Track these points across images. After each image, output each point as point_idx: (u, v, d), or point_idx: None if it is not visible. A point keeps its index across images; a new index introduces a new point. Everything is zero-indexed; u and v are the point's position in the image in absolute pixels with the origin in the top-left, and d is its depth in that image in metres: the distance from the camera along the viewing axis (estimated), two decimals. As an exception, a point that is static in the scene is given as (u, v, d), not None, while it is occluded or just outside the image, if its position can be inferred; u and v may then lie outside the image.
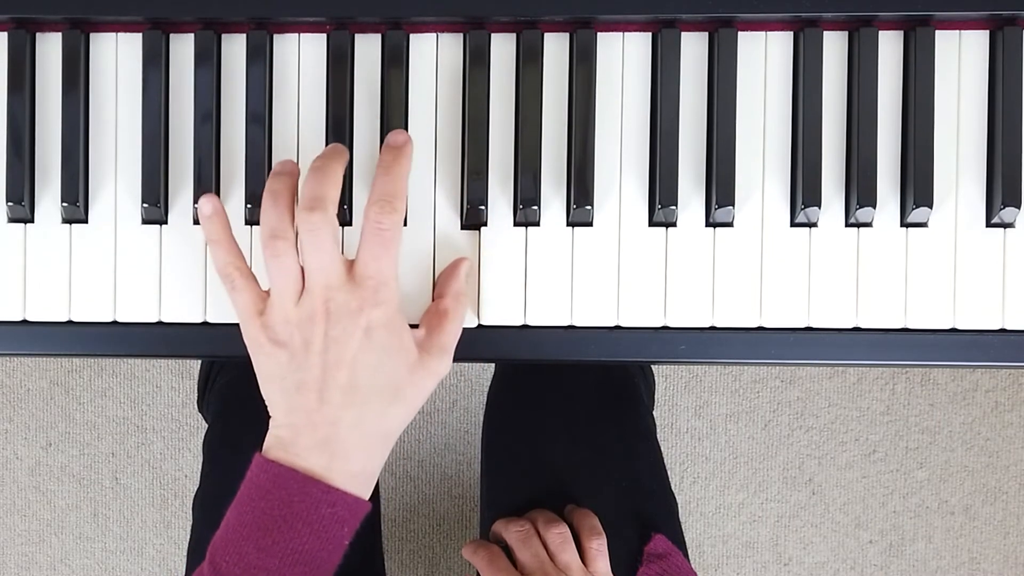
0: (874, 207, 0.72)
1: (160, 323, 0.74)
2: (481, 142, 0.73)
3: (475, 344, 0.74)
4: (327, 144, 0.73)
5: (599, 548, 0.85)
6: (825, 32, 0.73)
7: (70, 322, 0.74)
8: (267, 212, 0.67)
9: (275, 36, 0.74)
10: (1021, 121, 0.72)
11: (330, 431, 0.66)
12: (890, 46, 0.74)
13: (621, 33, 0.74)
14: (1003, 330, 0.74)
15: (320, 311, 0.65)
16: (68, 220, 0.74)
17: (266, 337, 0.67)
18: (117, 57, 0.74)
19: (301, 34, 0.74)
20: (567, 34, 0.74)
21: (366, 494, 0.68)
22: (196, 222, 0.73)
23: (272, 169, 0.70)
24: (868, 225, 0.74)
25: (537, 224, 0.74)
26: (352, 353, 0.66)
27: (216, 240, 0.69)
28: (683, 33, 0.73)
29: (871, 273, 0.74)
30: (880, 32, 0.73)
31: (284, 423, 0.67)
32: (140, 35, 0.74)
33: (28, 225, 0.74)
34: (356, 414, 0.66)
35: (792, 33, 0.74)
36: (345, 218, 0.74)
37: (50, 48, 0.74)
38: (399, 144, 0.69)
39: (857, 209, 0.72)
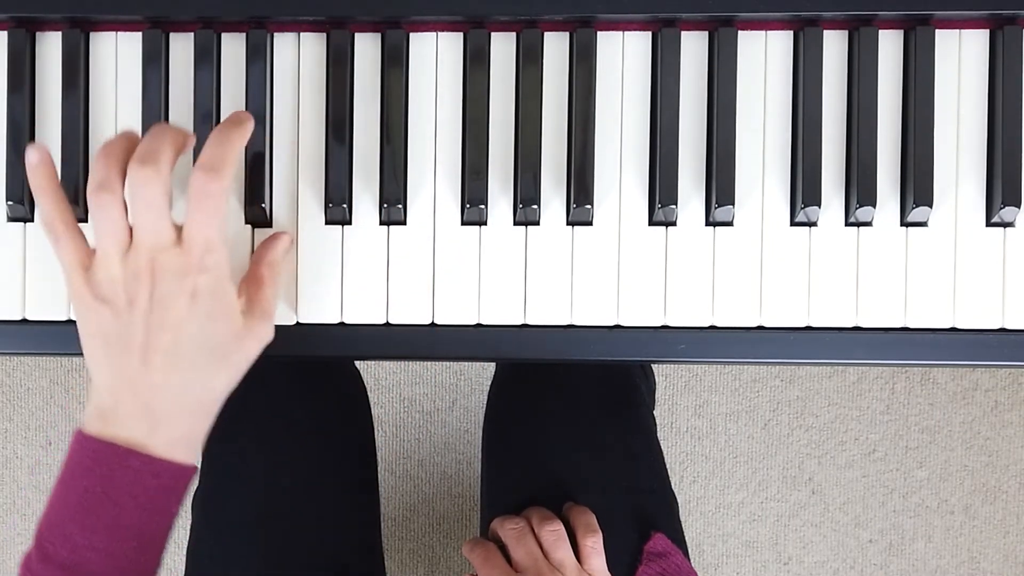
0: (874, 206, 0.72)
1: (160, 322, 0.74)
2: (481, 142, 0.73)
3: (475, 343, 0.74)
4: (327, 144, 0.73)
5: (594, 546, 0.85)
6: (825, 31, 0.73)
7: (70, 321, 0.74)
8: (96, 164, 0.65)
9: (275, 36, 0.74)
10: (1021, 120, 0.72)
11: (151, 396, 0.65)
12: (890, 45, 0.74)
13: (621, 32, 0.74)
14: (1003, 329, 0.74)
15: (145, 270, 0.64)
16: (68, 219, 0.74)
17: (90, 292, 0.65)
18: (117, 56, 0.74)
19: (301, 33, 0.74)
20: (567, 33, 0.74)
21: (192, 459, 0.67)
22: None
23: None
24: (868, 224, 0.74)
25: (537, 223, 0.74)
26: (177, 317, 0.64)
27: (41, 188, 0.67)
28: (683, 32, 0.73)
29: (871, 272, 0.74)
30: (880, 31, 0.73)
31: (106, 387, 0.66)
32: (140, 34, 0.74)
33: (27, 224, 0.74)
34: (180, 379, 0.65)
35: (792, 32, 0.74)
36: (345, 217, 0.74)
37: (50, 47, 0.74)
38: (241, 120, 0.68)
39: (857, 208, 0.72)
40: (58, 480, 0.67)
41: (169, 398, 0.65)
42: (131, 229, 0.65)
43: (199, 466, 0.68)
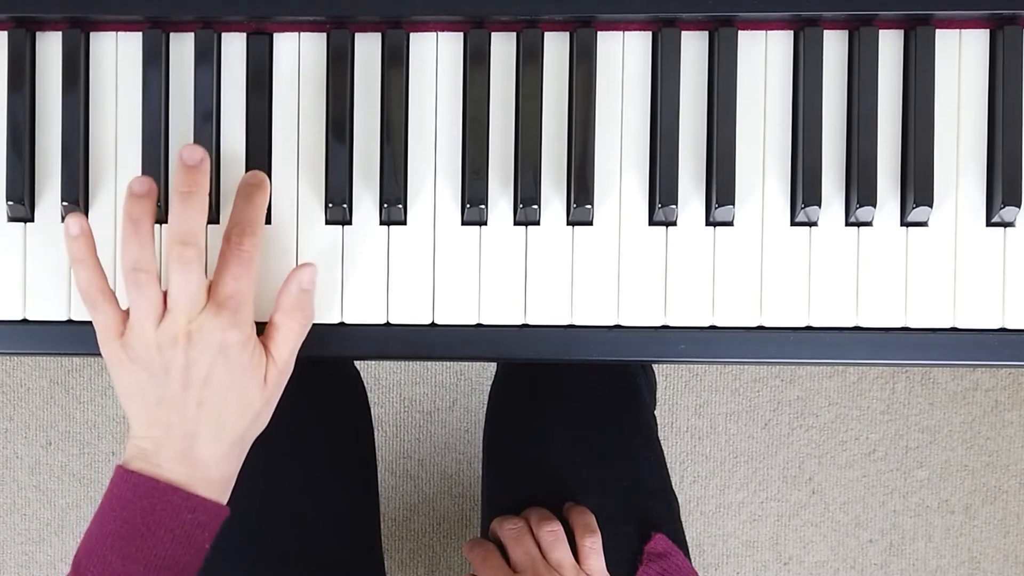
0: (874, 206, 0.72)
1: (160, 322, 0.74)
2: (481, 142, 0.73)
3: (475, 344, 0.74)
4: (327, 144, 0.73)
5: (592, 546, 0.85)
6: (825, 31, 0.73)
7: (70, 321, 0.74)
8: (129, 243, 0.68)
9: (275, 36, 0.74)
10: (1021, 120, 0.72)
11: (189, 443, 0.69)
12: (890, 45, 0.74)
13: (621, 32, 0.74)
14: (1003, 329, 0.74)
15: (182, 334, 0.68)
16: (68, 219, 0.74)
17: (126, 356, 0.69)
18: (117, 56, 0.74)
19: (301, 33, 0.74)
20: (567, 33, 0.74)
21: (224, 499, 0.71)
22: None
23: (128, 188, 0.69)
24: (868, 224, 0.74)
25: (537, 223, 0.74)
26: (208, 371, 0.68)
27: (81, 260, 0.70)
28: (683, 32, 0.73)
29: (871, 272, 0.74)
30: (880, 31, 0.73)
31: (144, 435, 0.69)
32: (140, 34, 0.74)
33: (28, 224, 0.74)
34: (213, 428, 0.69)
35: (792, 32, 0.74)
36: (346, 217, 0.74)
37: (50, 47, 0.74)
38: (257, 182, 0.71)
39: (857, 208, 0.72)
40: (98, 511, 0.70)
41: (204, 445, 0.69)
42: (164, 296, 0.68)
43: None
